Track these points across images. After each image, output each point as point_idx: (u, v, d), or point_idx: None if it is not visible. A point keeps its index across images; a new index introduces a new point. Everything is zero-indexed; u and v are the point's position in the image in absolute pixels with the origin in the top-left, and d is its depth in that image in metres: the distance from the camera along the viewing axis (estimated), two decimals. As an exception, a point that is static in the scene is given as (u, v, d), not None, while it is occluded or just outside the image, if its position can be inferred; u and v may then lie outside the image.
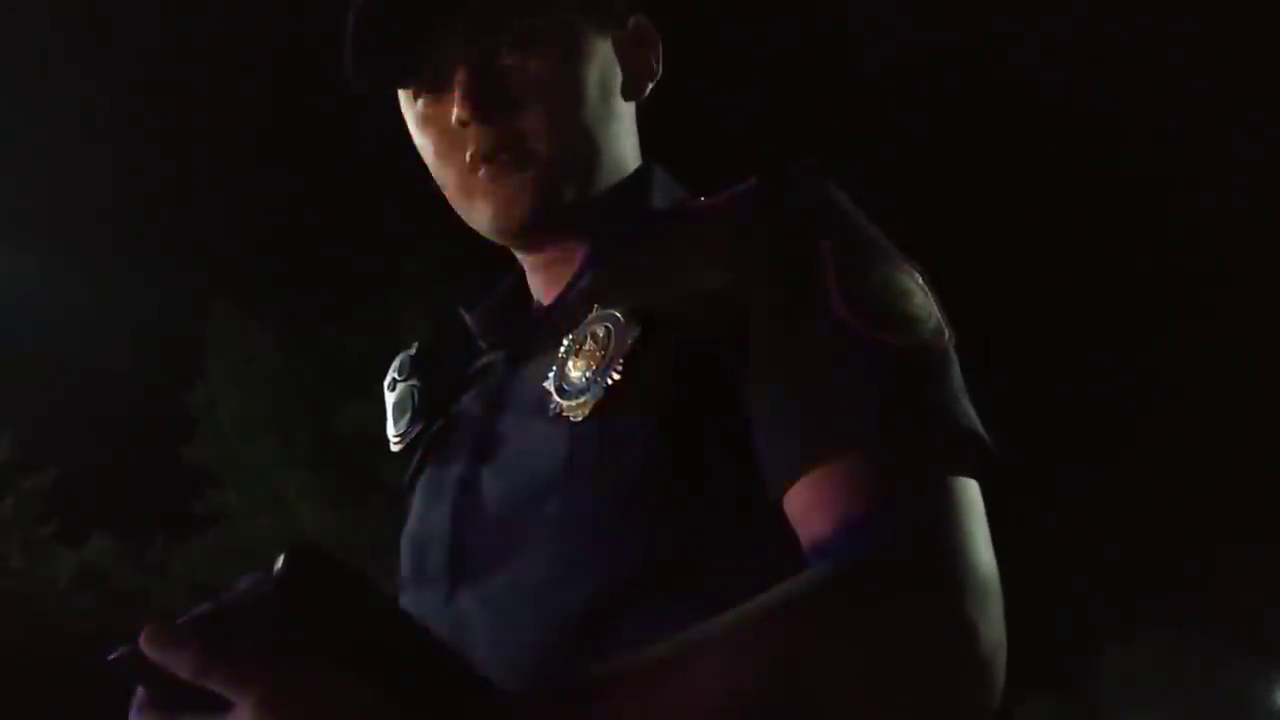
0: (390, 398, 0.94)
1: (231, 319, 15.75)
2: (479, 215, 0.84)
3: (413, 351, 0.95)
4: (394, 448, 0.92)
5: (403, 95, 0.86)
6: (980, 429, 0.69)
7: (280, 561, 0.52)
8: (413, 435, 0.90)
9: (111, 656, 0.54)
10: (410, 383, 0.92)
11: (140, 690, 0.55)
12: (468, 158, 0.82)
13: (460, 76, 0.81)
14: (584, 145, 0.83)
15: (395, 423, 0.92)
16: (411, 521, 0.87)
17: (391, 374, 0.94)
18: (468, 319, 0.92)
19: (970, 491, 0.67)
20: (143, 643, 0.52)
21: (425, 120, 0.84)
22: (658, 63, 0.90)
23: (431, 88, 0.83)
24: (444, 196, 0.87)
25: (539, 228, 0.84)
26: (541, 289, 0.89)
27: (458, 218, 0.87)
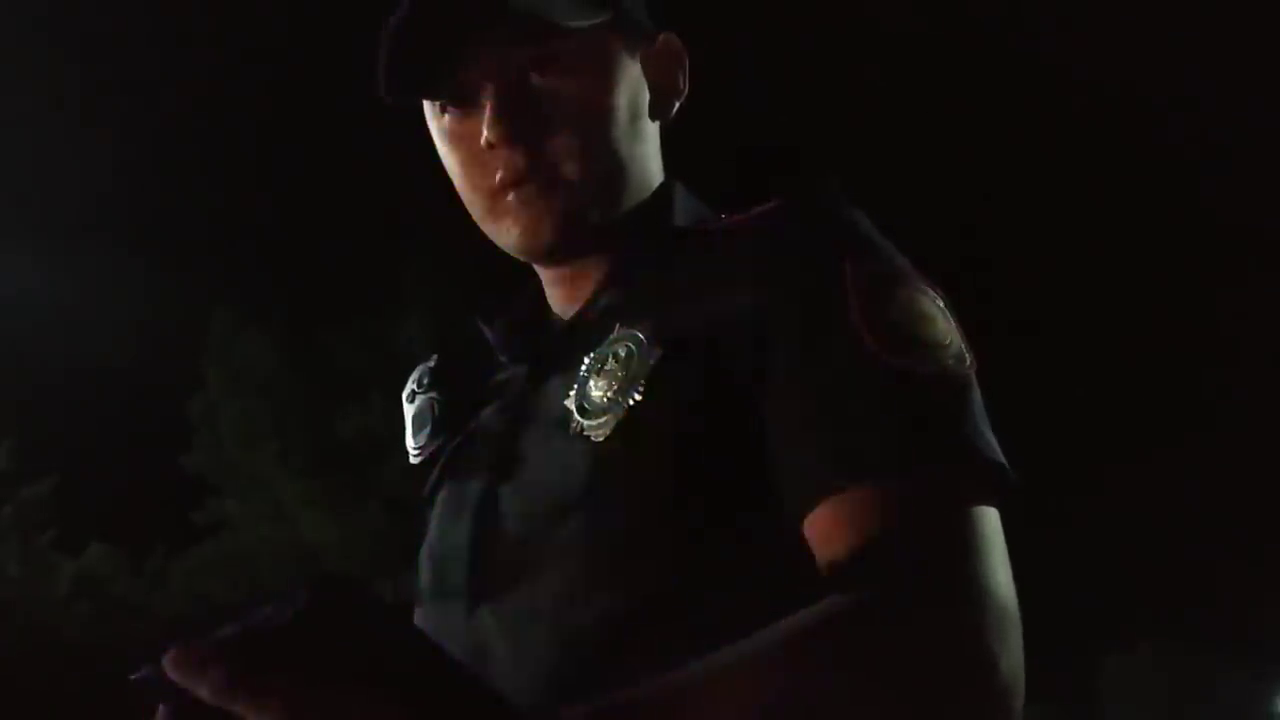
0: (409, 409, 0.93)
1: (231, 327, 15.75)
2: (505, 236, 0.84)
3: (432, 364, 0.95)
4: (413, 460, 0.92)
5: (429, 108, 0.86)
6: (1001, 458, 0.70)
7: (304, 587, 0.52)
8: (432, 449, 0.90)
9: (135, 676, 0.54)
10: (430, 395, 0.92)
11: (162, 709, 0.55)
12: (496, 180, 0.82)
13: (490, 97, 0.80)
14: (612, 170, 0.83)
15: (414, 435, 0.92)
16: (431, 537, 0.87)
17: (410, 385, 0.94)
18: (487, 332, 0.92)
19: (990, 520, 0.67)
20: (167, 663, 0.51)
21: (453, 137, 0.84)
22: (685, 81, 0.90)
23: (460, 103, 0.83)
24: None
25: (565, 251, 0.84)
26: (561, 304, 0.89)
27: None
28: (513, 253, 0.85)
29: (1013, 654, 0.61)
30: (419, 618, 0.85)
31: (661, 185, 0.88)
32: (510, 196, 0.82)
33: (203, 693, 0.51)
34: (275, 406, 15.46)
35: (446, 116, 0.84)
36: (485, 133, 0.80)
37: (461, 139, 0.83)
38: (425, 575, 0.86)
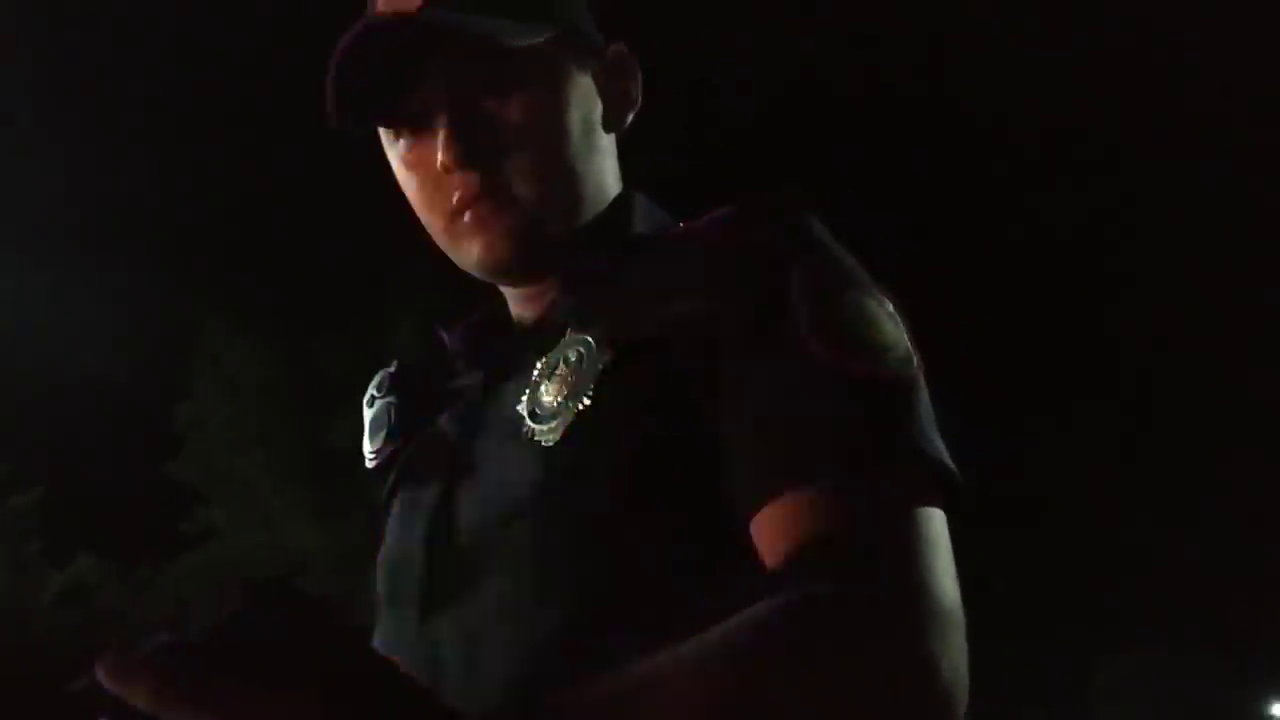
0: (368, 414, 0.94)
1: (219, 335, 15.71)
2: (465, 256, 0.85)
3: (392, 369, 0.95)
4: (368, 464, 0.92)
5: (383, 133, 0.86)
6: (947, 460, 0.70)
7: (239, 593, 0.52)
8: (387, 454, 0.90)
9: (71, 687, 0.54)
10: (388, 400, 0.92)
11: None
12: (454, 202, 0.82)
13: (442, 121, 0.81)
14: (567, 185, 0.83)
15: (371, 439, 0.93)
16: (386, 543, 0.87)
17: (370, 390, 0.95)
18: (446, 339, 0.92)
19: (935, 522, 0.67)
20: (100, 673, 0.51)
21: (408, 161, 0.85)
22: (638, 92, 0.90)
23: (413, 128, 0.83)
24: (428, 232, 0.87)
25: (525, 268, 0.85)
26: (521, 314, 0.89)
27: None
28: (473, 272, 0.86)
29: (954, 656, 0.61)
30: (377, 625, 0.85)
31: (620, 195, 0.88)
32: (467, 217, 0.82)
33: (137, 702, 0.51)
34: (263, 414, 15.43)
35: (401, 141, 0.84)
36: (440, 156, 0.80)
37: (417, 163, 0.84)
38: (381, 582, 0.86)
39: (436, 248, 0.88)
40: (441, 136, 0.80)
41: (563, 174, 0.83)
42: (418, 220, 0.87)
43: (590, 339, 0.76)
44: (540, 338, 0.82)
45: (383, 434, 0.91)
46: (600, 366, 0.74)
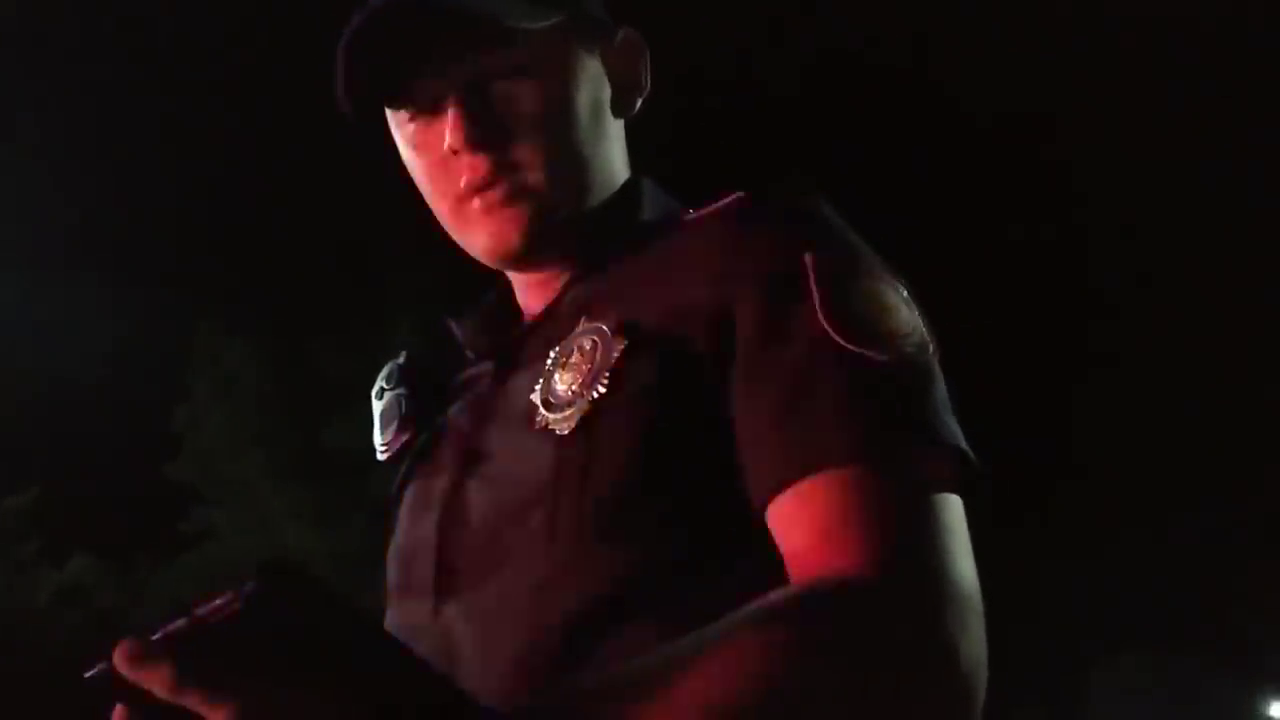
0: (377, 406, 0.93)
1: (215, 336, 15.70)
2: (474, 242, 0.84)
3: (401, 360, 0.95)
4: (380, 457, 0.92)
5: (392, 117, 0.86)
6: (963, 444, 0.70)
7: (252, 576, 0.52)
8: (399, 445, 0.90)
9: (87, 675, 0.53)
10: (397, 391, 0.92)
11: (117, 708, 0.54)
12: (462, 186, 0.81)
13: (452, 104, 0.80)
14: (576, 171, 0.83)
15: (381, 432, 0.92)
16: (398, 534, 0.87)
17: (379, 382, 0.94)
18: (455, 329, 0.92)
19: (952, 507, 0.67)
20: (116, 659, 0.51)
21: (417, 145, 0.84)
22: (647, 77, 0.90)
23: (423, 111, 0.83)
24: (434, 215, 0.87)
25: (534, 254, 0.84)
26: (530, 302, 0.89)
27: (446, 236, 0.87)
28: (482, 258, 0.85)
29: (973, 640, 0.61)
30: (388, 616, 0.84)
31: (628, 181, 0.88)
32: (476, 202, 0.81)
33: (154, 688, 0.50)
34: (260, 415, 15.42)
35: (410, 125, 0.84)
36: (448, 139, 0.80)
37: (426, 147, 0.83)
38: (392, 572, 0.85)
39: (436, 244, 0.87)
40: (450, 119, 0.80)
41: (571, 159, 0.82)
42: (418, 217, 0.87)
43: (604, 326, 0.76)
44: (553, 326, 0.82)
45: (393, 426, 0.91)
46: (615, 355, 0.74)
